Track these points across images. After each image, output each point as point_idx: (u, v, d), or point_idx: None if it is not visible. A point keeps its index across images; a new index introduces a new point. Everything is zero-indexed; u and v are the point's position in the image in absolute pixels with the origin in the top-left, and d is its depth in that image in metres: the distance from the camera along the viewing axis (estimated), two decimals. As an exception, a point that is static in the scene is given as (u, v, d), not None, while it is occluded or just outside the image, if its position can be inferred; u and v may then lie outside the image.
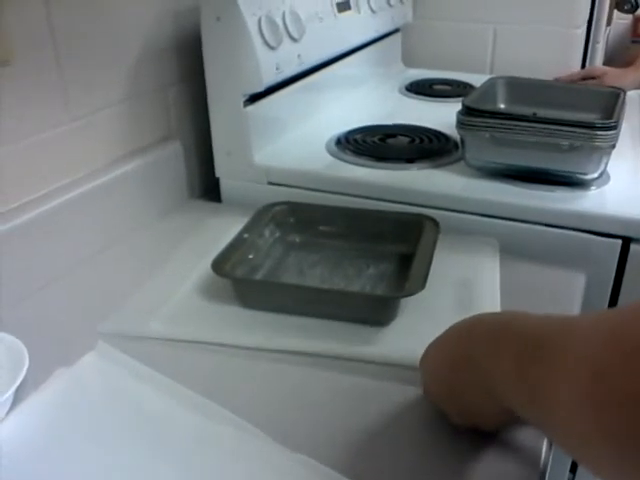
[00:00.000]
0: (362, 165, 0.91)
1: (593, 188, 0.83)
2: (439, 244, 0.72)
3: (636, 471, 0.29)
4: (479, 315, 0.48)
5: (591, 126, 0.79)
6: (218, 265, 0.68)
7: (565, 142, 0.79)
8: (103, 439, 0.51)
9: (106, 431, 0.51)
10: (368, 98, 1.25)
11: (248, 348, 0.62)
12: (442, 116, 1.03)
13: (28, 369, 0.54)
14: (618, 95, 0.90)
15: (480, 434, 0.51)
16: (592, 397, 0.31)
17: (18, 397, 0.53)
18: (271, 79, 0.88)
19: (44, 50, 0.70)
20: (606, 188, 0.83)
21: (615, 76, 1.31)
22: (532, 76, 1.06)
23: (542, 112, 0.85)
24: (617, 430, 0.29)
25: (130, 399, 0.54)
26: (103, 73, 0.79)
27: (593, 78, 1.32)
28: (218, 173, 0.94)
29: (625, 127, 0.85)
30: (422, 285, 0.63)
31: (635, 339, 0.30)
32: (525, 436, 0.51)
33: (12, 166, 0.69)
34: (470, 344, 0.47)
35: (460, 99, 0.87)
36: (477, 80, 1.05)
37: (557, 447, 0.49)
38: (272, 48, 0.87)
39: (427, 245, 0.71)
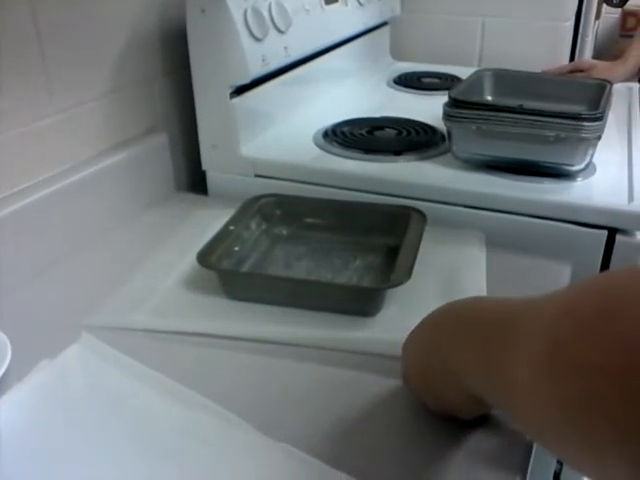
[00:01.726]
0: (349, 157, 0.91)
1: (579, 179, 0.83)
2: (426, 236, 0.72)
3: (581, 442, 0.29)
4: (456, 302, 0.48)
5: (577, 117, 0.79)
6: (203, 257, 0.68)
7: (551, 133, 0.79)
8: (86, 431, 0.50)
9: (89, 423, 0.51)
10: (356, 91, 1.25)
11: (233, 338, 0.62)
12: (430, 109, 1.03)
13: (11, 361, 0.53)
14: (604, 87, 0.90)
15: (462, 421, 0.51)
16: (548, 371, 0.31)
17: (1, 389, 0.53)
18: (257, 71, 0.88)
19: (28, 41, 0.70)
20: (592, 179, 0.84)
21: (603, 69, 1.31)
22: (520, 69, 1.06)
23: (529, 104, 0.85)
24: (572, 402, 0.29)
25: (113, 391, 0.54)
26: (88, 65, 0.79)
27: (581, 71, 1.32)
28: (204, 166, 0.94)
29: (611, 119, 0.85)
30: (407, 276, 0.63)
31: (585, 310, 0.30)
32: (508, 424, 0.51)
33: (-5, 158, 0.68)
34: (439, 332, 0.47)
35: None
36: (465, 73, 1.05)
37: (523, 432, 0.49)
38: (258, 40, 0.87)
39: (414, 237, 0.71)
